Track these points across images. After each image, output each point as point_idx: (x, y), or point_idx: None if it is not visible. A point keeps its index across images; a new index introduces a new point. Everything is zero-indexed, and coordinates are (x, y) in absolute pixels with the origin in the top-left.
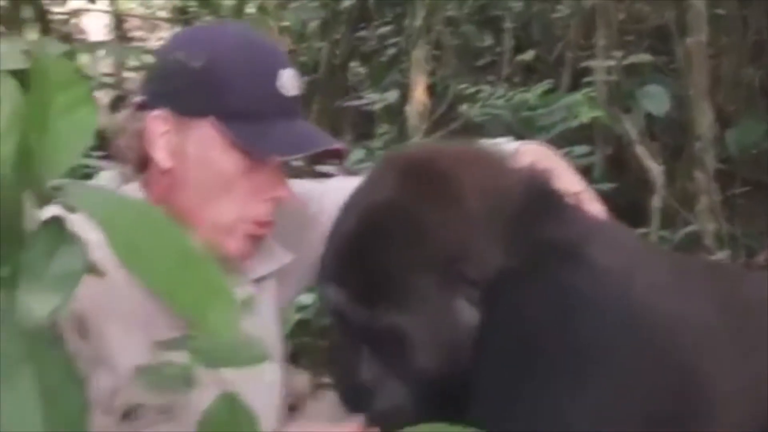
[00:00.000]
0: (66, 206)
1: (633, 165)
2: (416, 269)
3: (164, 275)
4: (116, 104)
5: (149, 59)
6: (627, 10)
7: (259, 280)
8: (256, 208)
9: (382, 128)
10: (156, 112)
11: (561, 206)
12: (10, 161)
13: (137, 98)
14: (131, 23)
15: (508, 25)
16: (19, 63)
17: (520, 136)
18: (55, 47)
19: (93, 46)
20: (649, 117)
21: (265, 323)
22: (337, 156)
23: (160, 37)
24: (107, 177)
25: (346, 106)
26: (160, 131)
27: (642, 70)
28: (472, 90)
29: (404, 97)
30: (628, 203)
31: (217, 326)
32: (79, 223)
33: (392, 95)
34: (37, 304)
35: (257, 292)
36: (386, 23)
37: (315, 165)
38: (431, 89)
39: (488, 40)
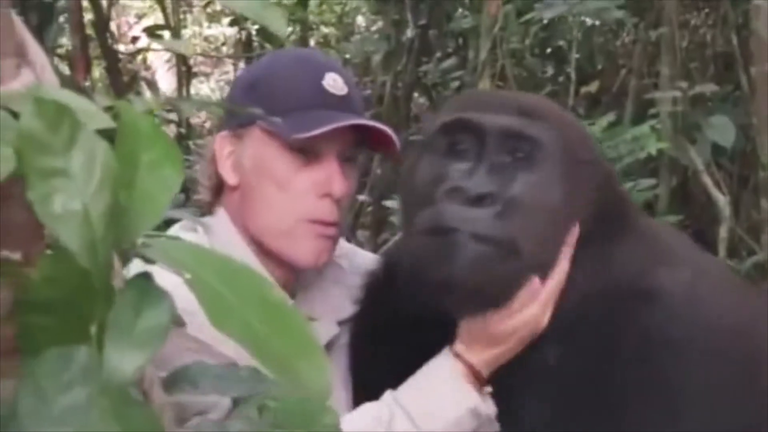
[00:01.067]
0: (152, 261)
1: (699, 196)
2: None
3: (253, 330)
4: (179, 140)
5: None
6: (691, 37)
7: (346, 322)
8: (313, 206)
9: None
10: (221, 134)
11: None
12: (103, 221)
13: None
14: (196, 58)
15: (572, 56)
16: (105, 122)
17: None
18: (138, 104)
19: (169, 102)
20: (715, 147)
21: (341, 368)
22: (389, 147)
23: (225, 71)
24: (185, 226)
25: (411, 140)
26: (227, 151)
27: (707, 99)
28: None
29: None
30: (694, 234)
31: (308, 379)
32: (164, 275)
33: None
34: (123, 361)
35: (339, 332)
36: (448, 55)
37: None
38: None
39: (551, 71)
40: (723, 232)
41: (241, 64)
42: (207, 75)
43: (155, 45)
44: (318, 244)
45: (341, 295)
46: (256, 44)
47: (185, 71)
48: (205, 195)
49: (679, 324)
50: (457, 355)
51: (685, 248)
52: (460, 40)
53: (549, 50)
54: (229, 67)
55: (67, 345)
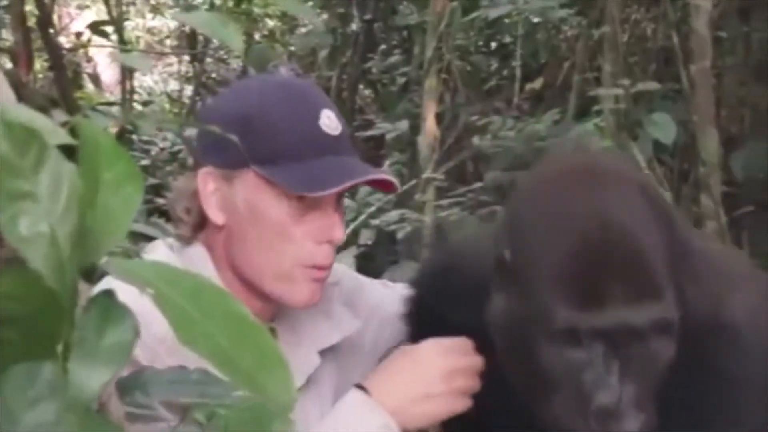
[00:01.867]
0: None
1: None
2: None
3: (219, 344)
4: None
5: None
6: (632, 33)
7: (326, 351)
8: (314, 253)
9: (393, 157)
10: (204, 170)
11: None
12: (70, 241)
13: (190, 160)
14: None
15: (516, 53)
16: (63, 138)
17: (531, 166)
18: (97, 121)
19: (130, 118)
20: (657, 143)
21: (323, 399)
22: (387, 188)
23: (168, 63)
24: (161, 245)
25: (355, 135)
26: (211, 189)
27: (649, 97)
28: (483, 122)
29: (414, 127)
30: None
31: (274, 392)
32: (129, 293)
33: (403, 125)
34: (89, 377)
35: (322, 363)
36: (394, 47)
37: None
38: (439, 117)
39: (496, 65)
40: None
41: (186, 58)
42: (150, 67)
43: (111, 51)
44: (314, 286)
45: (324, 324)
46: (201, 37)
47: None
48: (185, 230)
49: (748, 358)
50: (360, 387)
51: (743, 269)
52: (405, 33)
53: (494, 46)
54: (173, 59)
55: (33, 361)
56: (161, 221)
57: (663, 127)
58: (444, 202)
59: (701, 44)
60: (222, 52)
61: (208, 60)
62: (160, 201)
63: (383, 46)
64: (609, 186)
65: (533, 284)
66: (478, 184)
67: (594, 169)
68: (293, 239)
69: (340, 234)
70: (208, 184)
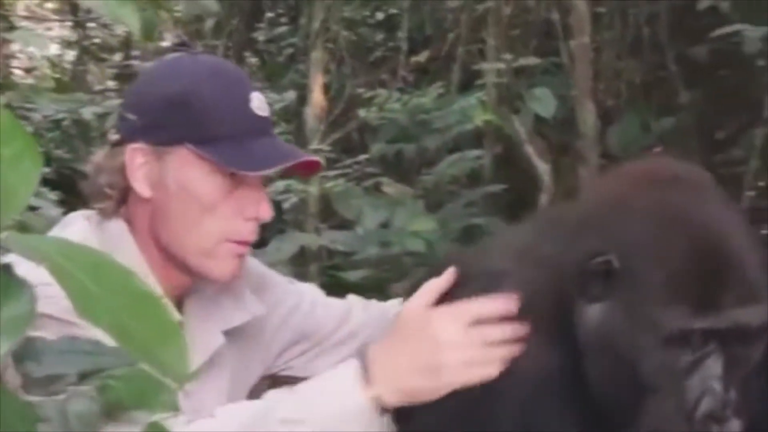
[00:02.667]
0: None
1: (522, 164)
2: None
3: (117, 318)
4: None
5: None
6: (515, 6)
7: (230, 332)
8: (241, 228)
9: (280, 127)
10: (134, 145)
11: None
12: None
13: (113, 136)
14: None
15: (403, 24)
16: None
17: (415, 139)
18: None
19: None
20: (537, 117)
21: (221, 378)
22: (311, 169)
23: (48, 28)
24: (79, 218)
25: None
26: (139, 163)
27: (530, 71)
28: (369, 94)
29: (301, 98)
30: (517, 201)
31: (170, 364)
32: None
33: (290, 95)
34: None
35: (225, 343)
36: (281, 16)
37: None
38: (326, 89)
39: (382, 37)
40: (544, 198)
41: (68, 23)
42: (30, 31)
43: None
44: (237, 262)
45: (232, 305)
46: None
47: (6, 27)
48: (107, 205)
49: None
50: (363, 356)
51: None
52: (292, 3)
53: (380, 18)
54: (54, 24)
55: None
56: (45, 190)
57: (543, 101)
58: (330, 173)
59: (580, 20)
60: (105, 18)
61: (91, 25)
62: (45, 170)
63: (270, 15)
64: (704, 193)
65: (646, 289)
66: (364, 156)
67: (679, 175)
68: (222, 215)
69: (267, 211)
70: (136, 158)
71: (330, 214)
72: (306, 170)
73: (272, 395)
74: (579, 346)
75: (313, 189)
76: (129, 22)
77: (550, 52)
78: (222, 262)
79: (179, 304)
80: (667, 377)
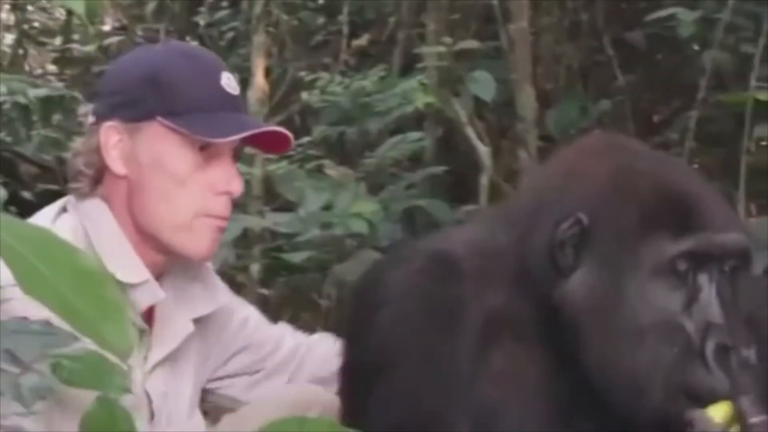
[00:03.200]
0: None
1: (462, 146)
2: None
3: (63, 296)
4: None
5: None
6: None
7: (198, 321)
8: (212, 202)
9: None
10: (108, 124)
11: None
12: None
13: (89, 119)
14: None
15: (344, 8)
16: None
17: (357, 122)
18: None
19: None
20: (477, 100)
21: (185, 366)
22: (283, 146)
23: None
24: (52, 207)
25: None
26: (114, 141)
27: (470, 55)
28: (311, 77)
29: (243, 81)
30: (458, 182)
31: (114, 341)
32: None
33: None
34: None
35: (196, 331)
36: (221, 0)
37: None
38: (268, 72)
39: (324, 21)
40: (484, 180)
41: (6, 6)
42: None
43: None
44: (212, 237)
45: (201, 293)
46: None
47: None
48: (84, 184)
49: None
50: None
51: None
52: None
53: (321, 2)
54: None
55: None
56: None
57: (483, 85)
58: (273, 155)
59: (519, 5)
60: (44, 2)
61: (30, 8)
62: None
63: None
64: (650, 151)
65: (621, 234)
66: (307, 139)
67: (622, 142)
68: (193, 189)
69: (238, 186)
70: (111, 137)
71: (273, 197)
72: (277, 147)
73: None
74: (561, 339)
75: (257, 171)
76: (74, 5)
77: (490, 36)
78: (198, 237)
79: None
80: (664, 321)
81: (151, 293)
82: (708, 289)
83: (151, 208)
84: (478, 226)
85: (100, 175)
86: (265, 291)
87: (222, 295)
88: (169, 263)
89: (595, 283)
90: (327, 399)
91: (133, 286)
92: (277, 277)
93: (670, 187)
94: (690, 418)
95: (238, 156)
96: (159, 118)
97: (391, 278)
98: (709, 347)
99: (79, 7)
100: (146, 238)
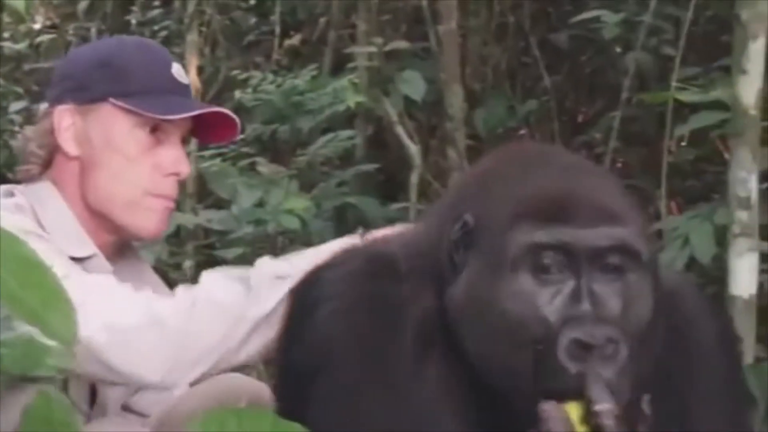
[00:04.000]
0: None
1: (393, 144)
2: None
3: (7, 284)
4: None
5: None
6: None
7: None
8: (160, 183)
9: None
10: (61, 107)
11: None
12: None
13: (42, 106)
14: None
15: (276, 9)
16: None
17: (290, 120)
18: None
19: None
20: (407, 99)
21: None
22: (230, 133)
23: None
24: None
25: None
26: (67, 123)
27: (400, 55)
28: (244, 76)
29: None
30: (388, 180)
31: (58, 328)
32: None
33: None
34: None
35: None
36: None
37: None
38: (200, 71)
39: (256, 21)
40: (414, 178)
41: None
42: None
43: None
44: (160, 217)
45: (154, 279)
46: None
47: None
48: (35, 166)
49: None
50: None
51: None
52: None
53: (253, 2)
54: None
55: None
56: None
57: (413, 84)
58: (206, 153)
59: (448, 6)
60: None
61: None
62: None
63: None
64: (552, 149)
65: (495, 231)
66: (240, 137)
67: (546, 149)
68: (143, 169)
69: (185, 168)
70: (64, 119)
71: (206, 194)
72: (224, 134)
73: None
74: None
75: (190, 168)
76: (16, 3)
77: (419, 37)
78: (145, 215)
79: None
80: (527, 315)
81: (100, 267)
82: (574, 284)
83: (102, 187)
84: (415, 226)
85: (51, 157)
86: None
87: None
88: (118, 254)
89: (470, 280)
90: (253, 387)
91: (81, 260)
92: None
93: (546, 186)
94: (542, 412)
95: (186, 143)
96: (111, 100)
97: (329, 278)
98: (562, 342)
99: (20, 4)
100: (96, 218)
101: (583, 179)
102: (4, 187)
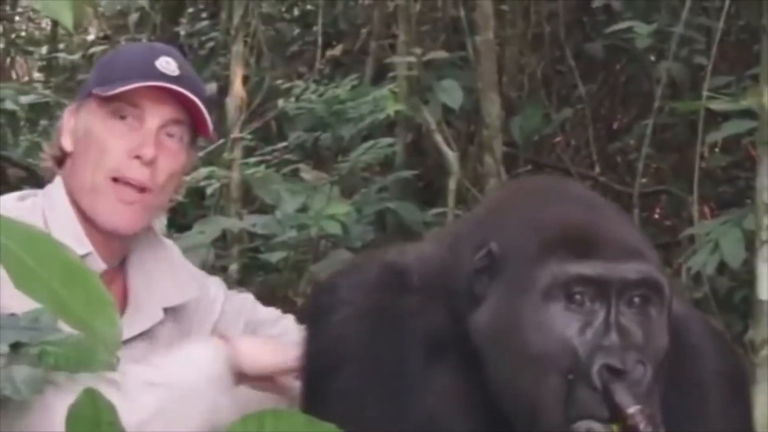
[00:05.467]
0: None
1: (431, 152)
2: None
3: (54, 290)
4: None
5: None
6: (423, 3)
7: (169, 310)
8: (121, 165)
9: None
10: (69, 108)
11: None
12: None
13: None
14: None
15: (318, 20)
16: None
17: (331, 128)
18: None
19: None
20: (445, 107)
21: (155, 351)
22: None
23: None
24: (11, 196)
25: None
26: (66, 121)
27: (439, 65)
28: (288, 85)
29: (222, 89)
30: (427, 186)
31: (103, 333)
32: None
33: (212, 87)
34: None
35: (164, 321)
36: (201, 11)
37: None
38: (246, 81)
39: (299, 32)
40: (452, 184)
41: None
42: None
43: None
44: (130, 210)
45: (171, 283)
46: None
47: None
48: (49, 164)
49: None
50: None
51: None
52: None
53: (297, 13)
54: None
55: None
56: None
57: (451, 93)
58: (251, 160)
59: (485, 17)
60: (31, 12)
61: (17, 18)
62: None
63: (191, 10)
64: (573, 184)
65: (523, 262)
66: (283, 144)
67: (554, 183)
68: (111, 154)
69: (150, 150)
70: (69, 118)
71: (251, 200)
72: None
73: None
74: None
75: (235, 175)
76: (60, 15)
77: (457, 46)
78: (105, 201)
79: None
80: (556, 345)
81: (93, 266)
82: (603, 316)
83: (75, 176)
84: (434, 241)
85: (60, 156)
86: (242, 290)
87: (193, 288)
88: (125, 247)
89: (498, 308)
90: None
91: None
92: (255, 276)
93: (573, 219)
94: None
95: (181, 138)
96: (93, 92)
97: (344, 284)
98: (595, 368)
99: (67, 19)
100: (81, 213)
101: (603, 214)
102: (20, 193)
